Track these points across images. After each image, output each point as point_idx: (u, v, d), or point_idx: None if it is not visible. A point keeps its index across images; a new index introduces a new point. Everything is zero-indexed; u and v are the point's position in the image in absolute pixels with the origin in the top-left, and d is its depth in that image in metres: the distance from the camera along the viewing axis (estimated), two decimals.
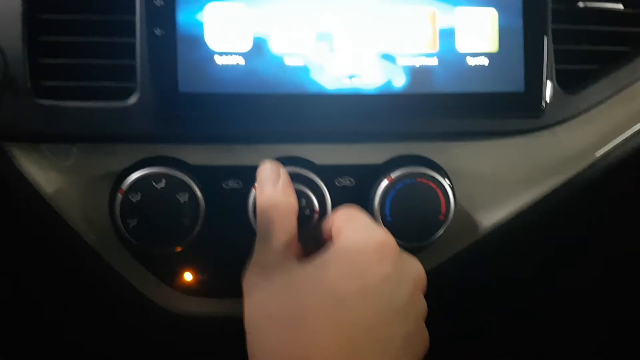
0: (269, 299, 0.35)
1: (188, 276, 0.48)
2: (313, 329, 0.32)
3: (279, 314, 0.34)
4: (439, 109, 0.43)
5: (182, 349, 0.56)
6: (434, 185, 0.45)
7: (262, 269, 0.36)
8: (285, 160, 0.45)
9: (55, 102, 0.42)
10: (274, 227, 0.37)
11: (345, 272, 0.34)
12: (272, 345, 0.33)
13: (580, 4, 0.47)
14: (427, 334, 0.37)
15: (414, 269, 0.37)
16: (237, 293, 0.48)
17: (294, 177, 0.44)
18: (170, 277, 0.48)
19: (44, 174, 0.44)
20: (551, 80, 0.45)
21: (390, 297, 0.34)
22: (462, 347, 0.61)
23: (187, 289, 0.48)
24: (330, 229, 0.38)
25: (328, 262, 0.35)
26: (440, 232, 0.46)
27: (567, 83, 0.47)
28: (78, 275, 0.49)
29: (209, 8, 0.41)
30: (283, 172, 0.40)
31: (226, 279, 0.47)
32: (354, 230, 0.36)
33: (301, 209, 0.43)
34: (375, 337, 0.33)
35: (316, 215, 0.44)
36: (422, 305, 0.37)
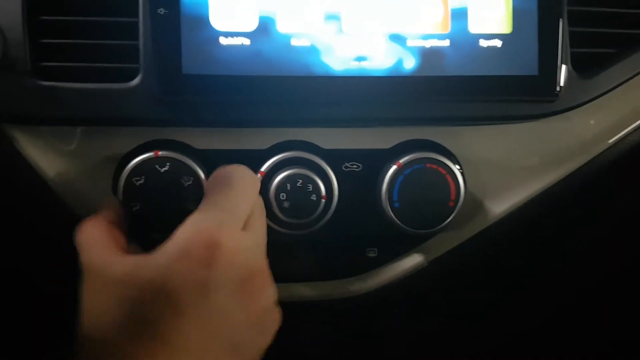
0: None
1: None
2: None
3: None
4: (449, 92, 0.42)
5: None
6: (443, 171, 0.44)
7: None
8: (291, 144, 0.44)
9: (56, 84, 0.41)
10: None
11: (164, 276, 0.32)
12: None
13: None
14: (275, 314, 0.36)
15: (251, 266, 0.34)
16: None
17: (300, 162, 0.43)
18: None
19: (45, 157, 0.43)
20: (566, 63, 0.44)
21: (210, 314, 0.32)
22: (467, 333, 0.61)
23: None
24: None
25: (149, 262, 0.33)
26: (450, 218, 0.45)
27: (582, 67, 0.45)
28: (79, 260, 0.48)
29: None
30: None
31: None
32: (194, 217, 0.34)
33: (307, 194, 0.43)
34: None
35: (323, 201, 0.43)
36: (253, 298, 0.34)
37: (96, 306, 0.33)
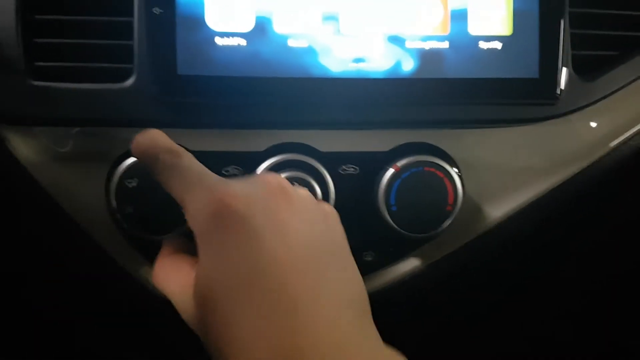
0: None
1: None
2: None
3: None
4: (449, 94, 0.41)
5: (179, 337, 0.55)
6: (441, 175, 0.44)
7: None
8: (288, 147, 0.44)
9: (50, 84, 0.41)
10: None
11: (207, 272, 0.30)
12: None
13: None
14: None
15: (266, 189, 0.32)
16: None
17: (297, 165, 0.43)
18: None
19: (38, 158, 0.43)
20: (567, 66, 0.43)
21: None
22: (467, 336, 0.60)
23: None
24: None
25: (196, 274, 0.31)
26: (448, 223, 0.44)
27: (584, 69, 0.45)
28: (73, 262, 0.48)
29: None
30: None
31: None
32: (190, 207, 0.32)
33: None
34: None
35: None
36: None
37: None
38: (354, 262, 0.33)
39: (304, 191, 0.35)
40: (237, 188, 0.32)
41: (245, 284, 0.29)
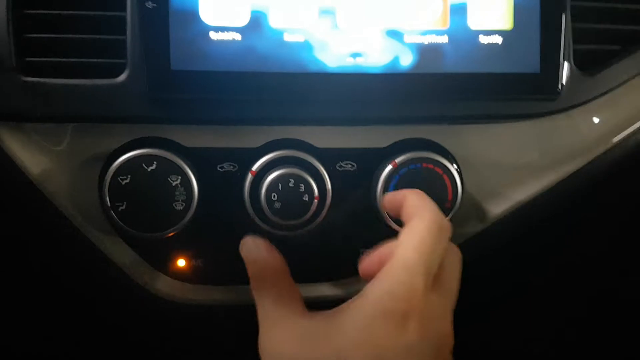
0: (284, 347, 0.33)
1: (181, 262, 0.46)
2: None
3: None
4: (448, 90, 0.41)
5: (174, 336, 0.55)
6: (440, 171, 0.43)
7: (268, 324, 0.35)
8: (283, 143, 0.43)
9: (41, 80, 0.40)
10: (266, 286, 0.36)
11: (360, 340, 0.31)
12: None
13: None
14: None
15: (441, 332, 0.32)
16: (232, 280, 0.47)
17: (293, 161, 0.42)
18: (163, 264, 0.46)
19: (31, 155, 0.42)
20: (568, 60, 0.43)
21: None
22: (465, 334, 0.60)
23: (181, 276, 0.47)
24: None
25: (339, 322, 0.32)
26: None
27: (585, 64, 0.44)
28: (67, 260, 0.47)
29: None
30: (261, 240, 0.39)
31: (221, 266, 0.46)
32: (386, 280, 0.32)
33: (299, 194, 0.41)
34: None
35: (316, 201, 0.42)
36: None
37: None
38: None
39: None
40: None
41: None
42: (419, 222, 0.33)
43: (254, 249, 0.38)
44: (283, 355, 0.33)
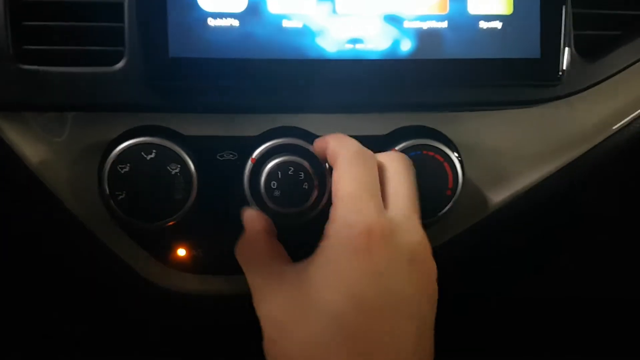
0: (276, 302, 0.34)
1: (181, 252, 0.46)
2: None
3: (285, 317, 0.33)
4: (448, 76, 0.40)
5: (175, 326, 0.55)
6: (441, 159, 0.43)
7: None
8: (283, 131, 0.43)
9: (39, 68, 0.39)
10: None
11: (331, 282, 0.32)
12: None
13: None
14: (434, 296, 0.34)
15: (411, 246, 0.34)
16: (232, 270, 0.47)
17: (293, 149, 0.42)
18: (163, 253, 0.46)
19: (29, 144, 0.42)
20: (569, 46, 0.42)
21: (387, 293, 0.32)
22: (465, 324, 0.60)
23: (181, 266, 0.47)
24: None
25: (313, 268, 0.33)
26: (447, 208, 0.44)
27: (586, 50, 0.44)
28: (66, 250, 0.47)
29: None
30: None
31: (221, 255, 0.46)
32: (338, 218, 0.33)
33: (299, 182, 0.41)
34: (380, 339, 0.31)
35: (315, 191, 0.41)
36: (425, 275, 0.34)
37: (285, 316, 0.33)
38: None
39: None
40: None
41: None
42: (342, 160, 0.35)
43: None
44: (276, 319, 0.33)
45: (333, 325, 0.31)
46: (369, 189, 0.34)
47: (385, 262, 0.32)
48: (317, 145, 0.39)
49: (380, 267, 0.32)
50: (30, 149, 0.42)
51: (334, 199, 0.34)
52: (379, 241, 0.32)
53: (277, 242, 0.38)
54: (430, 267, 0.34)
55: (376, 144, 0.43)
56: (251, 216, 0.39)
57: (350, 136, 0.44)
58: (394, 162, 0.37)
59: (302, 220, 0.42)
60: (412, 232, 0.34)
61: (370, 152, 0.36)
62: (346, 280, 0.31)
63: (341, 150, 0.36)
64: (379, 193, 0.35)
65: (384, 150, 0.43)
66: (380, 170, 0.36)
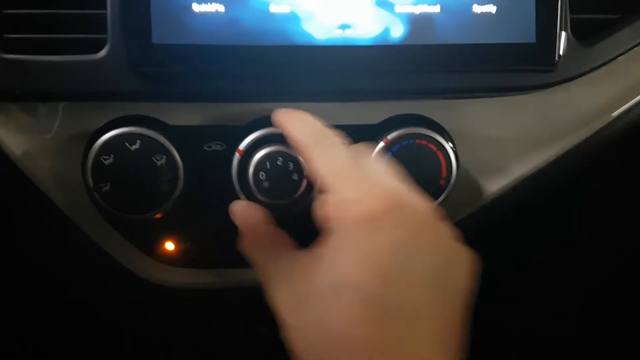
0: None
1: (169, 245, 0.45)
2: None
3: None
4: (441, 62, 0.39)
5: (163, 321, 0.54)
6: (434, 147, 0.42)
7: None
8: (270, 121, 0.42)
9: (20, 57, 0.38)
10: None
11: (351, 259, 0.30)
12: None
13: None
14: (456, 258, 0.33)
15: (415, 210, 0.32)
16: (221, 263, 0.46)
17: (281, 139, 0.41)
18: (150, 246, 0.45)
19: (11, 135, 0.41)
20: (565, 30, 0.41)
21: (407, 261, 0.30)
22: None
23: (168, 259, 0.46)
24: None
25: (326, 250, 0.32)
26: (441, 198, 0.43)
27: (583, 34, 0.42)
28: (51, 244, 0.46)
29: None
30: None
31: (209, 248, 0.45)
32: (338, 194, 0.32)
33: (288, 173, 0.40)
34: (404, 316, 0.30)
35: (305, 181, 0.40)
36: (439, 238, 0.32)
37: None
38: None
39: None
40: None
41: None
42: (310, 149, 0.34)
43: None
44: (295, 306, 0.32)
45: (360, 300, 0.30)
46: (353, 165, 0.34)
47: (396, 230, 0.31)
48: (274, 120, 0.38)
49: (393, 237, 0.31)
50: (12, 139, 0.41)
51: (322, 184, 0.33)
52: (385, 211, 0.31)
53: (279, 230, 0.37)
54: (444, 230, 0.33)
55: (367, 133, 0.43)
56: (241, 209, 0.38)
57: (340, 125, 0.43)
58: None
59: (292, 210, 0.41)
60: (415, 198, 0.33)
61: (327, 130, 0.36)
62: (365, 255, 0.30)
63: (303, 138, 0.35)
64: (365, 166, 0.34)
65: (376, 140, 0.42)
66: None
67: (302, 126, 0.36)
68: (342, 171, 0.33)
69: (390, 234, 0.31)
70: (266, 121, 0.42)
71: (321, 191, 0.33)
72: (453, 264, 0.32)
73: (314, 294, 0.31)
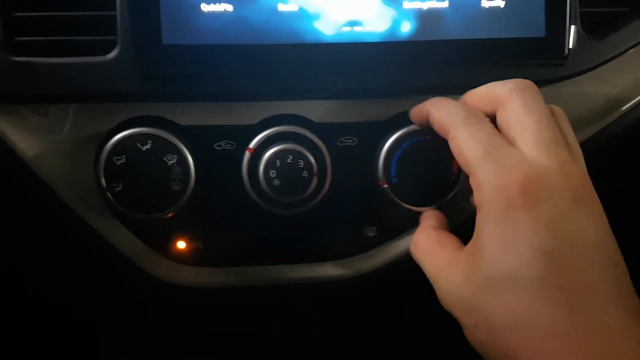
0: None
1: (181, 244, 0.45)
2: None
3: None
4: (449, 57, 0.39)
5: (175, 319, 0.54)
6: (444, 143, 0.42)
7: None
8: (281, 119, 0.42)
9: (31, 59, 0.39)
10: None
11: (512, 246, 0.31)
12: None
13: None
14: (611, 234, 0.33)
15: (566, 185, 0.32)
16: (232, 261, 0.46)
17: (291, 137, 0.41)
18: (162, 245, 0.45)
19: (23, 137, 0.41)
20: (575, 24, 0.41)
21: (567, 238, 0.30)
22: None
23: (180, 258, 0.46)
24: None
25: (485, 239, 0.32)
26: (452, 193, 0.42)
27: (593, 27, 0.42)
28: (64, 243, 0.47)
29: None
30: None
31: (221, 247, 0.45)
32: (484, 178, 0.32)
33: (298, 171, 0.40)
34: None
35: (315, 178, 0.41)
36: (593, 213, 0.33)
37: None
38: None
39: None
40: None
41: None
42: (456, 130, 0.34)
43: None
44: (467, 303, 0.33)
45: (532, 285, 0.30)
46: (495, 145, 0.33)
47: (550, 208, 0.31)
48: (415, 115, 0.39)
49: (548, 215, 0.31)
50: (25, 141, 0.41)
51: (467, 168, 0.33)
52: (535, 190, 0.31)
53: (446, 233, 0.37)
54: (597, 205, 0.33)
55: (378, 129, 0.43)
56: (424, 215, 0.41)
57: (350, 122, 0.43)
58: (511, 101, 0.34)
59: (302, 208, 0.41)
60: (563, 170, 0.32)
61: (475, 108, 0.35)
62: (525, 239, 0.30)
63: (450, 120, 0.35)
64: (506, 145, 0.33)
65: (386, 137, 0.42)
66: (500, 114, 0.35)
67: (446, 111, 0.36)
68: (483, 155, 0.33)
69: (542, 215, 0.31)
70: (276, 119, 0.42)
71: (466, 173, 0.34)
72: (599, 225, 0.32)
73: (483, 289, 0.31)
